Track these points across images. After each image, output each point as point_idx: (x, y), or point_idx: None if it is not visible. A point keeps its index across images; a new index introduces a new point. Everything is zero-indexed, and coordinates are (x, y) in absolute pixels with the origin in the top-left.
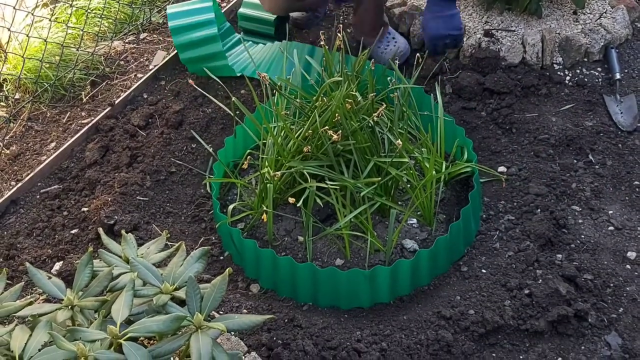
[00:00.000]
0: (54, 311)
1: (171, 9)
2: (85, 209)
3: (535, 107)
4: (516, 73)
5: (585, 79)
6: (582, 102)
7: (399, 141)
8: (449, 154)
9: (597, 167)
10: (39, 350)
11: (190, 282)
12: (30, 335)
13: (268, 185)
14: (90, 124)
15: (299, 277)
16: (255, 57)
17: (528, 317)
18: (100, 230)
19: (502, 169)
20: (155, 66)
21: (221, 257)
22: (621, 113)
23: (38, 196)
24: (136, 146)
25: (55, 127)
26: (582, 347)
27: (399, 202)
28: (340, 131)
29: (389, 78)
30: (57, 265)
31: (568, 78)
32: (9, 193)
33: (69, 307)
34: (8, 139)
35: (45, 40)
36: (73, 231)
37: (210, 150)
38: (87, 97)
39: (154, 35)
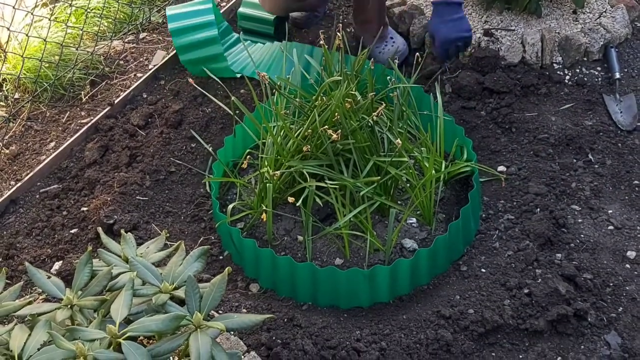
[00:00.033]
0: (53, 310)
1: (171, 10)
2: (85, 209)
3: (535, 107)
4: (516, 72)
5: (585, 79)
6: (582, 101)
7: (399, 140)
8: (448, 153)
9: (596, 166)
10: (38, 349)
11: (190, 281)
12: (30, 334)
13: (267, 184)
14: (89, 124)
15: (298, 277)
16: (255, 57)
17: (527, 317)
18: (100, 229)
19: (501, 168)
20: (154, 66)
21: (221, 257)
22: (621, 112)
23: (37, 196)
24: (136, 146)
25: (54, 126)
26: (582, 347)
27: (399, 202)
28: (340, 130)
29: (388, 77)
30: (57, 265)
31: (568, 77)
32: (9, 193)
33: (68, 306)
34: (7, 138)
35: (44, 40)
36: (72, 231)
37: (210, 149)
38: (87, 97)
39: (154, 35)
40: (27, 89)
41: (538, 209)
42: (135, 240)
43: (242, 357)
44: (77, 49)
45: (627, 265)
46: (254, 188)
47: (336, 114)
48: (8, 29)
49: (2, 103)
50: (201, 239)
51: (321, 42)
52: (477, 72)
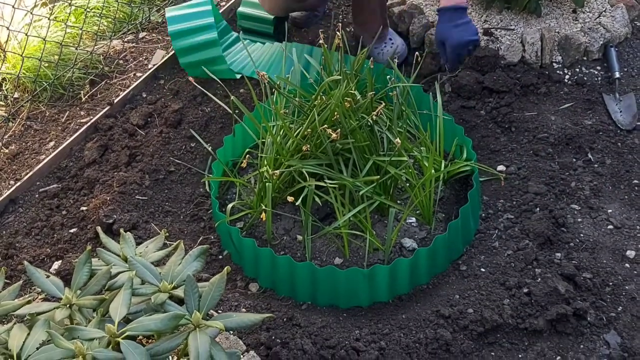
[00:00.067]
0: (52, 310)
1: (170, 12)
2: (84, 208)
3: (535, 106)
4: (515, 72)
5: (585, 78)
6: (582, 100)
7: (398, 140)
8: (448, 152)
9: (596, 165)
10: (37, 348)
11: (189, 280)
12: (29, 333)
13: (267, 184)
14: (89, 123)
15: (297, 276)
16: (254, 57)
17: (527, 316)
18: (99, 229)
19: (501, 167)
20: (154, 65)
21: (220, 256)
22: (620, 112)
23: (37, 195)
24: (135, 145)
25: (54, 126)
26: (581, 346)
27: (398, 201)
28: (339, 130)
29: (388, 77)
30: (56, 265)
31: (567, 77)
32: (8, 192)
33: (67, 305)
34: (7, 138)
35: (44, 39)
36: (72, 230)
37: (209, 149)
38: (86, 97)
39: (153, 35)
40: (27, 88)
41: (537, 209)
42: (135, 239)
43: (242, 356)
44: (76, 49)
45: (627, 265)
46: (254, 187)
47: (335, 113)
48: (8, 28)
49: (1, 102)
50: (200, 238)
51: (321, 41)
52: (477, 72)
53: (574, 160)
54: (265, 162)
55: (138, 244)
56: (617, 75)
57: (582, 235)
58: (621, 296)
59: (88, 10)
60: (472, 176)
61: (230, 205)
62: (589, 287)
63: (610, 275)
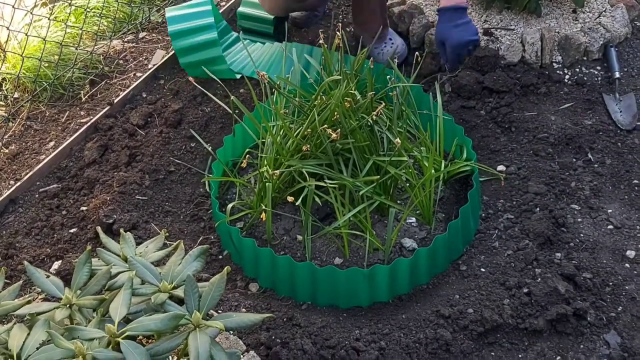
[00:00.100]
0: (52, 310)
1: (170, 12)
2: (84, 208)
3: (535, 106)
4: (515, 72)
5: (585, 78)
6: (582, 100)
7: (398, 140)
8: (448, 152)
9: (596, 166)
10: (37, 348)
11: (189, 280)
12: (29, 333)
13: (267, 184)
14: (89, 123)
15: (297, 276)
16: (254, 57)
17: (527, 316)
18: (99, 229)
19: (501, 167)
20: (154, 65)
21: (220, 256)
22: (620, 112)
23: (37, 195)
24: (135, 145)
25: (54, 126)
26: (581, 346)
27: (398, 201)
28: (339, 130)
29: (388, 77)
30: (56, 265)
31: (567, 77)
32: (8, 192)
33: (67, 305)
34: (7, 138)
35: (44, 39)
36: (72, 230)
37: (209, 149)
38: (86, 97)
39: (153, 35)
40: (27, 88)
41: (537, 209)
42: (135, 239)
43: (242, 356)
44: (76, 49)
45: (627, 265)
46: (254, 187)
47: (335, 113)
48: (8, 28)
49: (1, 102)
50: (200, 238)
51: (321, 41)
52: (477, 72)
53: (574, 160)
54: (265, 162)
55: (138, 244)
56: (617, 75)
57: (582, 235)
58: (621, 296)
59: (88, 10)
60: (472, 176)
61: (230, 205)
62: (589, 287)
63: (610, 275)
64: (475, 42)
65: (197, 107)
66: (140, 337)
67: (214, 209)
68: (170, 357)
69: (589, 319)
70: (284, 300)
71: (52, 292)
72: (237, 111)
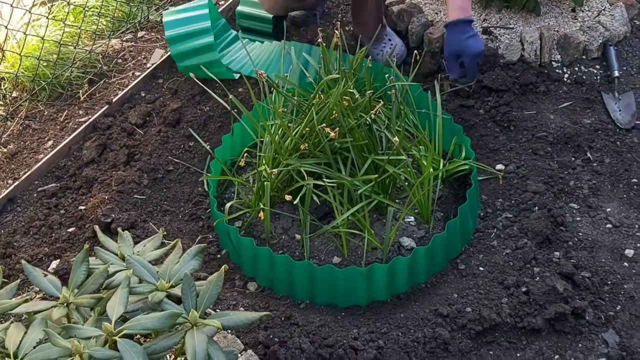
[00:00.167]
0: (49, 308)
1: (167, 16)
2: (83, 208)
3: (534, 105)
4: (514, 71)
5: (584, 77)
6: (581, 99)
7: (396, 139)
8: (446, 151)
9: (595, 164)
10: (34, 347)
11: (186, 279)
12: (26, 332)
13: (265, 183)
14: (87, 122)
15: (296, 275)
16: (253, 55)
17: (525, 315)
18: (97, 227)
19: (500, 166)
20: (152, 64)
21: (218, 255)
22: (619, 110)
23: (35, 194)
24: (133, 144)
25: (52, 125)
26: (580, 345)
27: (397, 200)
28: (338, 129)
29: (386, 75)
30: (54, 264)
31: (566, 76)
32: (6, 191)
33: (65, 304)
34: (5, 137)
35: (42, 39)
36: (70, 229)
37: (208, 148)
38: (85, 96)
39: (152, 34)
40: (25, 87)
41: (536, 208)
42: (133, 238)
43: (239, 355)
44: (75, 48)
45: (625, 264)
46: (252, 186)
47: (334, 112)
48: (6, 27)
49: (0, 102)
50: (199, 237)
51: (319, 40)
52: None
53: (573, 159)
54: (264, 161)
55: (136, 243)
56: (616, 74)
57: (580, 234)
58: (620, 295)
59: (87, 9)
60: (471, 175)
61: (228, 205)
62: (587, 286)
63: (609, 274)
64: (484, 51)
65: (195, 106)
66: (138, 335)
67: (213, 208)
68: (167, 356)
69: (587, 317)
70: (282, 299)
71: (49, 291)
72: (235, 110)
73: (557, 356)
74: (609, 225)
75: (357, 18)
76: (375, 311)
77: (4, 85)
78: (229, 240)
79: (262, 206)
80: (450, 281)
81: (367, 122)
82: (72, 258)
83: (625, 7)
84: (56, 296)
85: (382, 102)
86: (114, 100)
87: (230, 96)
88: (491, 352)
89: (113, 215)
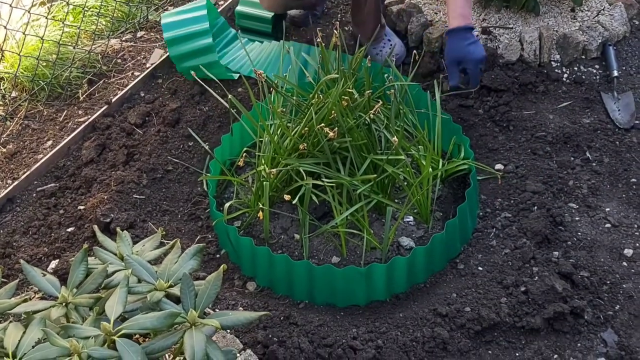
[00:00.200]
0: (48, 308)
1: (165, 18)
2: (82, 207)
3: (533, 105)
4: (514, 70)
5: (583, 77)
6: (580, 99)
7: (395, 138)
8: (445, 151)
9: (594, 164)
10: (33, 347)
11: (185, 278)
12: (24, 332)
13: (264, 182)
14: (86, 122)
15: (295, 275)
16: (252, 55)
17: (524, 314)
18: (96, 227)
19: (499, 166)
20: (152, 64)
21: (217, 255)
22: (619, 110)
23: (34, 194)
24: (133, 144)
25: (51, 125)
26: (578, 344)
27: (396, 200)
28: (337, 128)
29: (385, 75)
30: (53, 264)
31: (566, 75)
32: (6, 191)
33: (63, 304)
34: (5, 137)
35: (42, 39)
36: (69, 229)
37: (207, 148)
38: (84, 96)
39: (151, 34)
40: (25, 87)
41: (535, 207)
42: (132, 238)
43: (238, 355)
44: (74, 48)
45: (624, 263)
46: (251, 186)
47: (333, 112)
48: (5, 27)
49: None
50: (198, 237)
51: (318, 40)
52: None
53: (572, 158)
54: (263, 161)
55: (135, 242)
56: (616, 73)
57: (579, 233)
58: (618, 294)
59: (86, 9)
60: (470, 175)
61: (227, 204)
62: (586, 286)
63: (608, 273)
64: (486, 58)
65: (195, 106)
66: (136, 335)
67: (212, 208)
68: (166, 355)
69: (586, 317)
70: (281, 299)
71: (48, 290)
72: (234, 110)
73: (555, 356)
74: (608, 225)
75: (356, 18)
76: (374, 311)
77: (3, 85)
78: (228, 240)
79: (261, 206)
80: (449, 281)
81: (366, 122)
82: (71, 258)
83: (625, 7)
84: (55, 296)
85: (381, 102)
86: (113, 100)
87: (230, 96)
88: (490, 352)
89: (112, 215)
